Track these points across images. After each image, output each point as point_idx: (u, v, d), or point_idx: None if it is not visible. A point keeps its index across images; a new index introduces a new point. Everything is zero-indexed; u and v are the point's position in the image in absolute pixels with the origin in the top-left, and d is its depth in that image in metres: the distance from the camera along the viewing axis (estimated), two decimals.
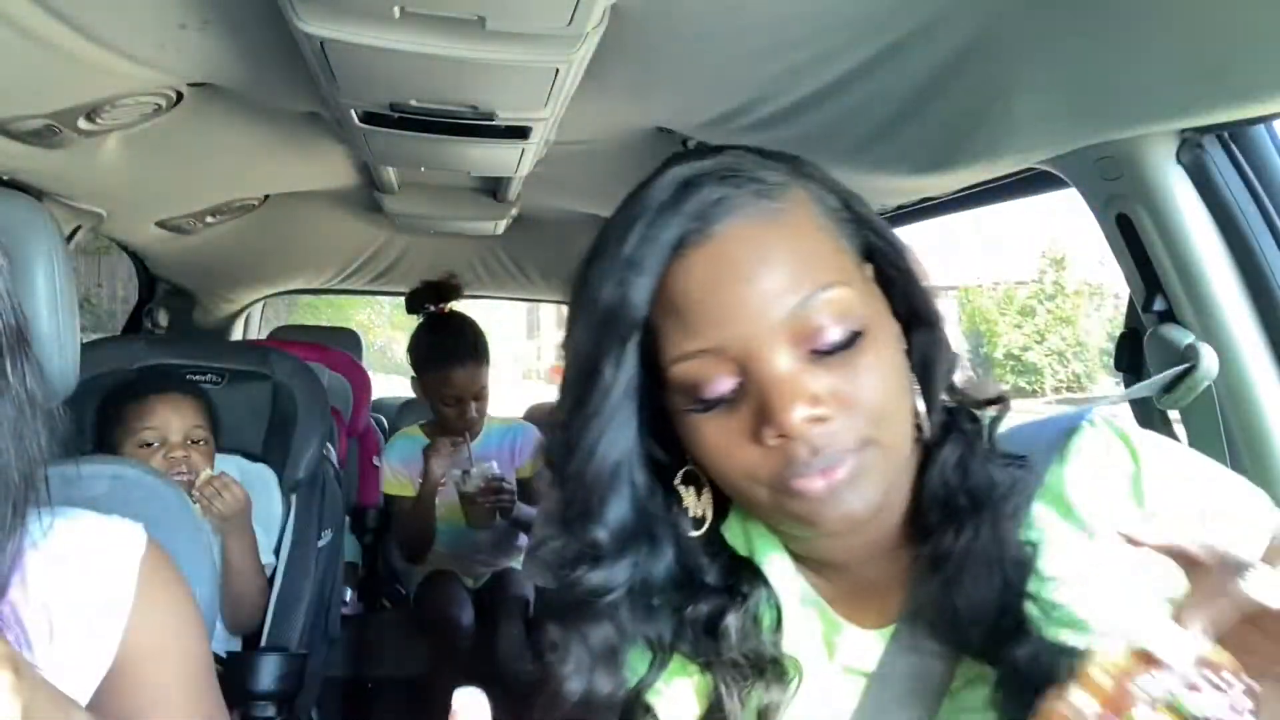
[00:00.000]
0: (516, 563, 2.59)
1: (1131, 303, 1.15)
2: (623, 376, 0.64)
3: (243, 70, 1.39)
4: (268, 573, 1.70)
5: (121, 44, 1.22)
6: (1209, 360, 1.01)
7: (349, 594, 2.60)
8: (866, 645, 0.70)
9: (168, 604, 0.77)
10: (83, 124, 1.43)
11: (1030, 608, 0.64)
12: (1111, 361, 1.19)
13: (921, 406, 0.68)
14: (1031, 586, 0.65)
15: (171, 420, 1.64)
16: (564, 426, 0.67)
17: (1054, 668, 0.59)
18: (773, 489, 0.63)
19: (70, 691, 0.67)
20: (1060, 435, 0.70)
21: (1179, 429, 1.11)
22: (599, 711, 0.69)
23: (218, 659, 1.57)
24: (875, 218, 0.69)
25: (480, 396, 2.37)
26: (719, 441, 0.64)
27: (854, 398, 0.62)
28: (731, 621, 0.70)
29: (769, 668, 0.70)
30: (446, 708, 0.48)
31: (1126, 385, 1.18)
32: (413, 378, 2.45)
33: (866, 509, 0.64)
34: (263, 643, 1.64)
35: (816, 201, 0.66)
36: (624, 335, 0.64)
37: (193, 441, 1.65)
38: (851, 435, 0.62)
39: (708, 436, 0.64)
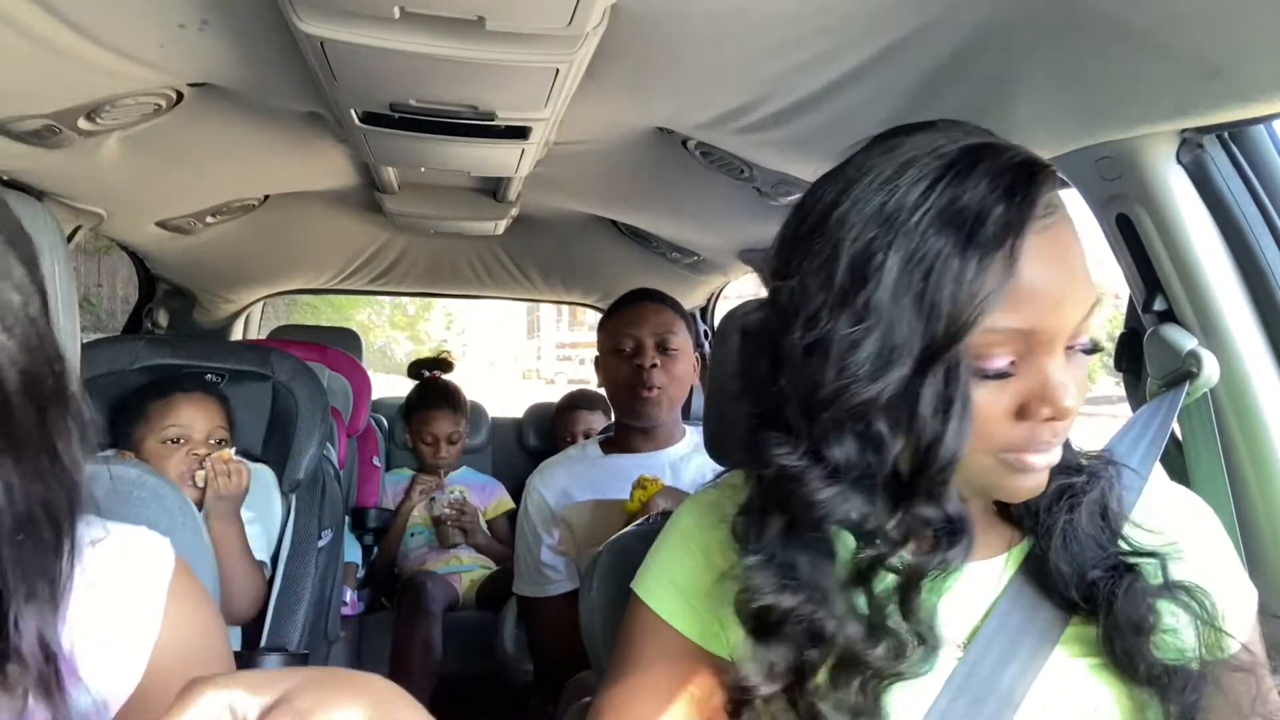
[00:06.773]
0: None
1: (1131, 303, 1.15)
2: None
3: (243, 70, 1.39)
4: (268, 573, 1.70)
5: (121, 44, 1.22)
6: (1210, 367, 1.01)
7: (349, 594, 2.60)
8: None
9: (193, 620, 0.76)
10: (83, 124, 1.43)
11: (1124, 545, 0.76)
12: (1111, 362, 1.19)
13: None
14: (1128, 532, 0.77)
15: (197, 420, 1.66)
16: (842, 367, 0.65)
17: (1146, 612, 0.72)
18: (1000, 458, 0.68)
19: (97, 711, 0.67)
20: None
21: (1176, 429, 1.10)
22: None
23: None
24: None
25: (453, 440, 2.96)
26: (982, 409, 0.65)
27: (1081, 396, 0.69)
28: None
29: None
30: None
31: (1126, 385, 1.18)
32: (403, 421, 3.10)
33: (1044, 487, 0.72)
34: (263, 643, 1.64)
35: None
36: (974, 314, 0.62)
37: (214, 442, 1.66)
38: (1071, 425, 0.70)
39: (977, 403, 0.65)
